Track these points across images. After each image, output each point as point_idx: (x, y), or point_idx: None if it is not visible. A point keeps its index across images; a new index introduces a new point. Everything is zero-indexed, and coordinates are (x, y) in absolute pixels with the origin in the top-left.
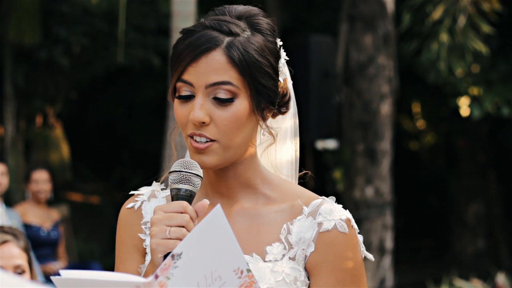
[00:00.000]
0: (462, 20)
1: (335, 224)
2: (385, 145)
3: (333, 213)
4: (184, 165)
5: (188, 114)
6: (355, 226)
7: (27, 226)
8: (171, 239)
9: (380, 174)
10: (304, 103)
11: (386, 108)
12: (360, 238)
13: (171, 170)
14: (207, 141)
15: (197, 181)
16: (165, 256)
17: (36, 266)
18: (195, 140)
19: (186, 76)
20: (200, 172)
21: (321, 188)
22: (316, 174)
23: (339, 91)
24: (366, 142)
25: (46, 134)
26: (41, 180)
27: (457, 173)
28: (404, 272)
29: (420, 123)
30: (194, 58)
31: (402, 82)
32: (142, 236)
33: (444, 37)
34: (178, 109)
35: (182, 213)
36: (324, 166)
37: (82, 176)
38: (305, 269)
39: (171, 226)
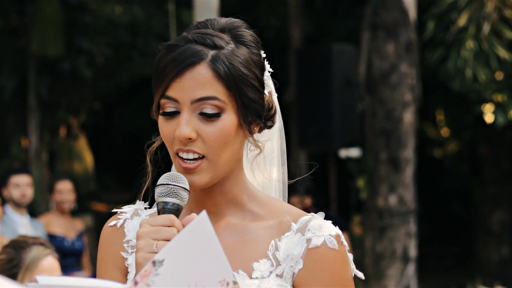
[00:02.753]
0: (486, 27)
1: (324, 240)
2: (408, 153)
3: (322, 229)
4: (171, 178)
5: (174, 131)
6: (345, 242)
7: (51, 237)
8: (157, 253)
9: (403, 182)
10: (327, 112)
11: (409, 116)
12: (350, 256)
13: (158, 183)
14: (195, 159)
15: (185, 194)
16: None
17: None
18: (183, 159)
19: (170, 92)
20: (187, 185)
21: (345, 196)
22: (340, 182)
23: (361, 100)
24: (389, 150)
25: (70, 145)
26: (65, 190)
27: (481, 181)
28: (429, 279)
29: (444, 131)
30: (178, 73)
31: (426, 89)
32: (124, 254)
33: (470, 44)
34: (163, 127)
35: (169, 226)
36: (348, 175)
37: (107, 186)
38: (293, 286)
39: (158, 240)
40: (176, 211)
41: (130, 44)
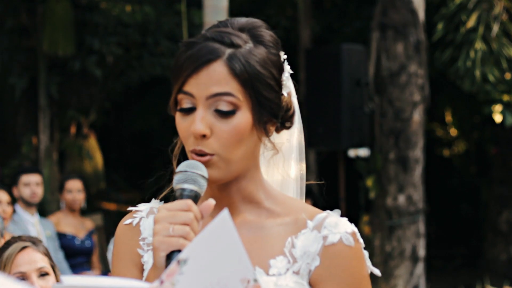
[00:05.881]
0: (495, 28)
1: (340, 237)
2: (417, 152)
3: (338, 226)
4: (190, 165)
5: (190, 127)
6: (361, 240)
7: (61, 236)
8: (174, 236)
9: (412, 182)
10: (336, 112)
11: (417, 116)
12: (366, 253)
13: (177, 170)
14: (206, 154)
15: (203, 182)
16: (168, 256)
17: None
18: (196, 155)
19: (187, 88)
20: (205, 173)
21: (354, 196)
22: (348, 182)
23: (370, 100)
24: (398, 150)
25: (80, 144)
26: (74, 189)
27: (489, 181)
28: (437, 279)
29: (452, 131)
30: (195, 70)
31: (435, 89)
32: (140, 252)
33: (479, 44)
34: (180, 123)
35: (186, 211)
36: (357, 174)
37: (116, 186)
38: (309, 283)
39: (174, 224)
40: (194, 197)
41: (140, 43)
